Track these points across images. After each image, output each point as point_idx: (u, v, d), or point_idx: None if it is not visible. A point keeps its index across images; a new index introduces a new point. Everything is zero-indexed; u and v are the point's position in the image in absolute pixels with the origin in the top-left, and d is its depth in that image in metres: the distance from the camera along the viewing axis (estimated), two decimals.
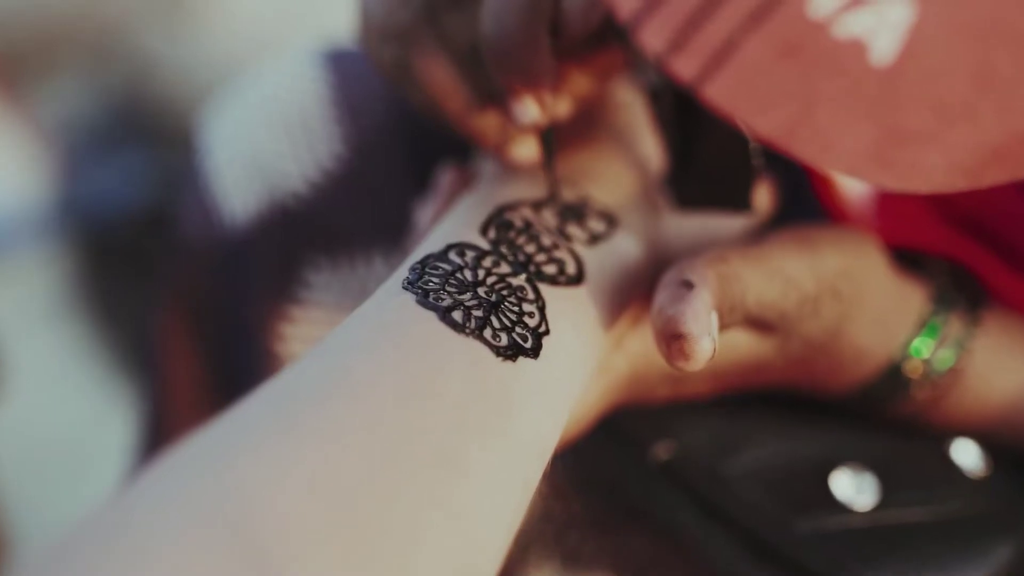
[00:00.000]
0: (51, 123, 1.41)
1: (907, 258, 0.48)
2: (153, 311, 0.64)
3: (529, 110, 0.42)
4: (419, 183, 0.55)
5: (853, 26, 0.30)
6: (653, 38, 0.31)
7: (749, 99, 0.31)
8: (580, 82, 0.45)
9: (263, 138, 0.58)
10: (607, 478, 0.48)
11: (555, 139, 0.44)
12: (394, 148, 0.58)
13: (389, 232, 0.55)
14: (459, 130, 0.46)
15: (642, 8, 0.31)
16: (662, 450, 0.46)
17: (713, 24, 0.31)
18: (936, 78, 0.31)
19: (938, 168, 0.32)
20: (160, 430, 0.63)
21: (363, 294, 0.55)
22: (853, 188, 0.52)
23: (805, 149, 0.31)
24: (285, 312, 0.56)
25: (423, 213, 0.47)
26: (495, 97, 0.44)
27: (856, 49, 0.30)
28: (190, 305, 0.60)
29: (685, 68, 0.31)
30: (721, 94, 0.31)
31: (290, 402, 0.31)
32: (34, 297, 1.33)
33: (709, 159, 0.43)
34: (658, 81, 0.43)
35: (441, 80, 0.44)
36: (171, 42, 1.43)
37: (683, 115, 0.43)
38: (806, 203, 0.52)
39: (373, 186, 0.57)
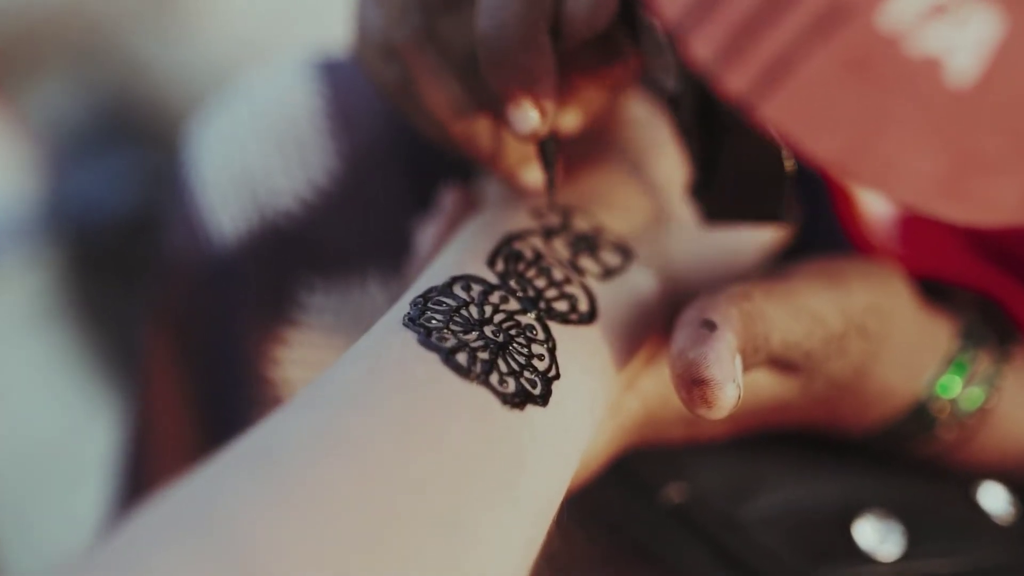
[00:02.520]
0: (38, 124, 1.40)
1: (933, 290, 0.46)
2: (139, 327, 0.61)
3: (529, 117, 0.39)
4: (418, 200, 0.52)
5: (929, 42, 0.27)
6: (704, 47, 0.28)
7: (808, 120, 0.28)
8: (590, 95, 0.42)
9: (253, 152, 0.55)
10: (613, 519, 0.46)
11: (556, 151, 0.41)
12: (391, 163, 0.55)
13: (386, 252, 0.53)
14: (469, 154, 0.43)
15: (691, 12, 0.28)
16: (674, 492, 0.44)
17: (772, 35, 0.28)
18: (1018, 102, 0.28)
19: (1009, 201, 0.29)
20: (144, 455, 0.60)
21: (359, 316, 0.54)
22: (877, 213, 0.49)
23: (866, 176, 0.29)
24: (279, 334, 0.53)
25: (424, 236, 0.45)
26: (499, 112, 0.41)
27: (930, 68, 0.27)
28: (176, 326, 0.58)
29: (738, 82, 0.28)
30: (778, 113, 0.28)
31: (281, 460, 0.28)
32: (19, 301, 1.31)
33: (738, 168, 0.40)
34: (678, 88, 0.40)
35: (444, 97, 0.41)
36: (162, 43, 1.42)
37: (706, 123, 0.40)
38: (826, 227, 0.50)
39: (369, 203, 0.55)
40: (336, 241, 0.54)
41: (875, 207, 0.50)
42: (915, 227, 0.49)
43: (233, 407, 0.55)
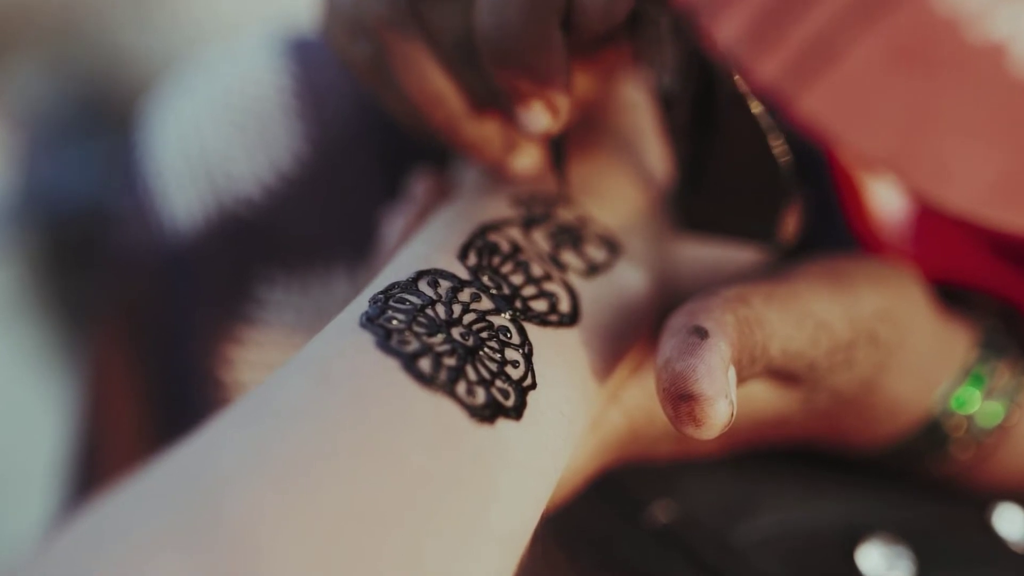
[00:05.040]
0: (10, 110, 1.38)
1: (948, 294, 0.43)
2: (91, 323, 0.58)
3: (540, 118, 0.36)
4: (390, 188, 0.49)
5: (995, 27, 0.24)
6: (729, 28, 0.25)
7: (852, 114, 0.25)
8: (583, 82, 0.39)
9: (212, 134, 0.52)
10: (595, 538, 0.43)
11: (566, 147, 0.39)
12: (364, 147, 0.52)
13: (354, 244, 0.50)
14: (448, 142, 0.40)
15: None
16: (660, 511, 0.41)
17: (811, 16, 0.25)
18: None
19: None
20: (92, 456, 0.57)
21: (322, 314, 0.50)
22: (888, 208, 0.46)
23: (918, 179, 0.26)
24: (233, 333, 0.50)
25: (392, 226, 0.41)
26: (493, 101, 0.38)
27: (993, 56, 0.24)
28: (127, 321, 0.54)
29: (771, 69, 0.25)
30: (818, 105, 0.25)
31: (211, 491, 0.25)
32: None
33: (730, 177, 0.38)
34: (671, 84, 0.37)
35: (427, 83, 0.38)
36: (139, 27, 1.40)
37: (700, 122, 0.37)
38: (832, 223, 0.47)
39: (338, 190, 0.52)
40: (300, 231, 0.51)
41: (886, 201, 0.47)
42: (930, 224, 0.46)
43: (188, 409, 0.52)
